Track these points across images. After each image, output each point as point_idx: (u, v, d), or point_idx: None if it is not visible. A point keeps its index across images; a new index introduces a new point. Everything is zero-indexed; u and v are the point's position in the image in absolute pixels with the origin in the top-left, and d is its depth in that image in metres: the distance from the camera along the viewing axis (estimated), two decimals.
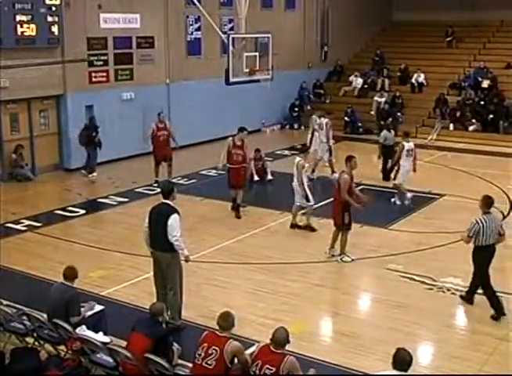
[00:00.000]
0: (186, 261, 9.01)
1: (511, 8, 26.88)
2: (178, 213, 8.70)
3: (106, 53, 19.06)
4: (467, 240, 9.89)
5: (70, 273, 8.08)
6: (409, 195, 15.31)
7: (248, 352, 6.74)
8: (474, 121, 23.37)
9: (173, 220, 8.61)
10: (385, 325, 9.08)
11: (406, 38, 28.85)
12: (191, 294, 10.28)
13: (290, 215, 13.91)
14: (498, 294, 9.72)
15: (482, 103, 23.90)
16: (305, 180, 13.22)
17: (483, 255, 9.81)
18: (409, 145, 15.41)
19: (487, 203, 9.87)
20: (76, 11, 17.95)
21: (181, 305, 9.07)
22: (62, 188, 17.26)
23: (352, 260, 11.69)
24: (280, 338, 6.44)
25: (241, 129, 14.40)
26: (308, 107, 26.37)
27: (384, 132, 17.43)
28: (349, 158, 11.72)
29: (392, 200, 15.42)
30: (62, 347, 7.70)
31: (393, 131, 17.85)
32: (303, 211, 13.59)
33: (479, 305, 10.10)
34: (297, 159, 13.37)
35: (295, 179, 13.24)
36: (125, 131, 19.52)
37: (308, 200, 13.24)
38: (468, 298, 10.00)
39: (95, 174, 17.84)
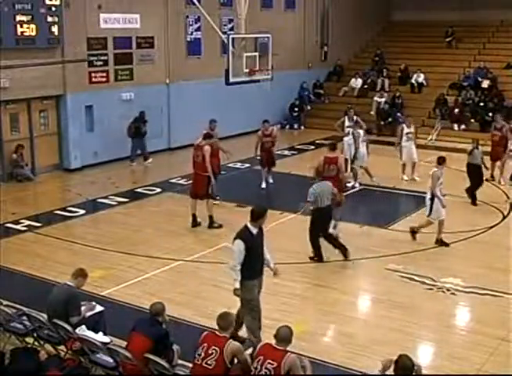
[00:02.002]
0: (235, 294, 8.23)
1: (511, 8, 26.87)
2: (245, 239, 7.96)
3: (105, 53, 19.06)
4: (308, 205, 11.42)
5: (76, 271, 8.13)
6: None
7: (248, 352, 6.74)
8: (472, 120, 23.36)
9: (234, 246, 8.05)
10: (385, 325, 9.07)
11: (406, 38, 28.84)
12: (191, 295, 10.30)
13: (292, 215, 13.93)
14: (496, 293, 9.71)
15: (482, 104, 23.88)
16: (438, 193, 12.23)
17: (319, 215, 11.45)
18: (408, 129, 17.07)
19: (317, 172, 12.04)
20: (76, 11, 17.96)
21: (253, 328, 8.28)
22: (62, 188, 17.28)
23: None
24: (284, 334, 6.47)
25: (265, 121, 16.51)
26: (308, 107, 26.40)
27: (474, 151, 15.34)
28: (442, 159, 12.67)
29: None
30: (62, 347, 7.71)
31: (480, 148, 15.50)
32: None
33: (479, 305, 10.12)
34: (434, 169, 12.46)
35: (428, 192, 12.31)
36: (125, 131, 19.50)
37: (430, 212, 12.28)
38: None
39: (150, 160, 19.30)
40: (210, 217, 13.48)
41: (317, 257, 11.67)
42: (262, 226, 8.33)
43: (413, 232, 12.65)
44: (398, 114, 24.44)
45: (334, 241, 11.75)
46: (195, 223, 13.54)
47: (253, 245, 8.06)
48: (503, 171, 16.77)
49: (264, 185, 16.60)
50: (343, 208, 12.63)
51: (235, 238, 8.05)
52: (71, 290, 7.97)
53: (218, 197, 14.70)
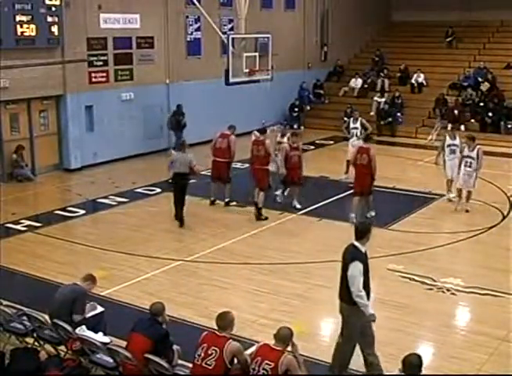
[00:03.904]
0: (372, 321, 7.59)
1: (511, 8, 26.87)
2: (361, 260, 7.38)
3: (105, 53, 19.07)
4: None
5: (87, 276, 8.26)
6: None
7: (248, 352, 6.74)
8: (472, 121, 23.36)
9: (353, 269, 7.33)
10: (385, 325, 9.06)
11: (406, 38, 28.85)
12: (191, 295, 10.31)
13: (290, 216, 13.97)
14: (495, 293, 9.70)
15: (482, 104, 23.88)
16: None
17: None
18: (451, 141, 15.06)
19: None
20: (76, 11, 17.96)
21: (344, 359, 7.79)
22: (62, 188, 17.28)
23: None
24: (283, 335, 6.47)
25: (293, 134, 15.28)
26: (308, 108, 26.39)
27: None
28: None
29: None
30: (62, 347, 7.70)
31: None
32: None
33: (479, 305, 10.12)
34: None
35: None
36: (125, 131, 19.54)
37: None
38: None
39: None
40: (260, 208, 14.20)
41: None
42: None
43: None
44: (398, 114, 24.48)
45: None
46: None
47: (367, 266, 7.49)
48: None
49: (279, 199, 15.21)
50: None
51: (351, 260, 7.33)
52: (81, 288, 8.03)
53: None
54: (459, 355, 8.41)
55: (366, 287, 7.49)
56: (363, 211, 14.07)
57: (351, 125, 17.34)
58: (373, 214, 14.08)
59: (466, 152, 14.38)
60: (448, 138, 15.11)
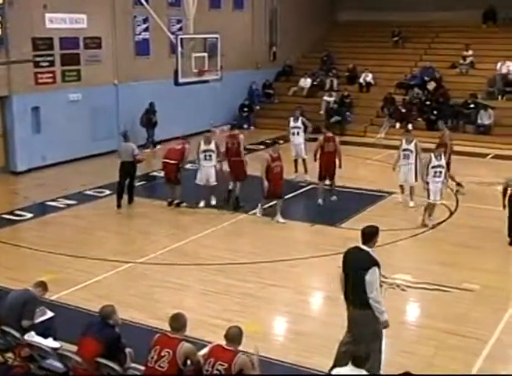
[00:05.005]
0: (385, 327, 7.55)
1: (455, 9, 27.43)
2: (378, 266, 7.29)
3: (52, 54, 18.73)
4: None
5: (38, 282, 8.14)
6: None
7: (201, 353, 6.71)
8: (419, 119, 23.76)
9: (372, 275, 7.20)
10: (339, 323, 9.08)
11: (354, 38, 29.13)
12: (143, 297, 10.23)
13: (241, 216, 14.00)
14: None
15: (428, 102, 24.31)
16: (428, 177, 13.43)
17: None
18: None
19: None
20: (20, 10, 17.59)
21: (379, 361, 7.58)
22: (8, 191, 16.92)
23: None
24: (234, 335, 6.46)
25: (274, 143, 14.99)
26: (258, 107, 26.45)
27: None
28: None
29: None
30: (10, 354, 7.54)
31: None
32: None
33: (429, 300, 10.30)
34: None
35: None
36: (73, 132, 19.24)
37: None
38: None
39: (159, 146, 20.80)
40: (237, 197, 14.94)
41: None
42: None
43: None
44: (347, 113, 24.73)
45: None
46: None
47: (380, 270, 7.42)
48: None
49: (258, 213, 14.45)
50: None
51: (370, 266, 7.21)
52: (31, 293, 7.89)
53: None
54: (409, 349, 8.55)
55: (381, 291, 7.53)
56: (326, 195, 15.30)
57: (292, 124, 17.47)
58: (335, 198, 15.39)
59: (404, 145, 14.86)
60: (404, 142, 14.87)
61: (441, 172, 13.35)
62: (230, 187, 15.17)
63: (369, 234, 7.48)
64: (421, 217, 13.67)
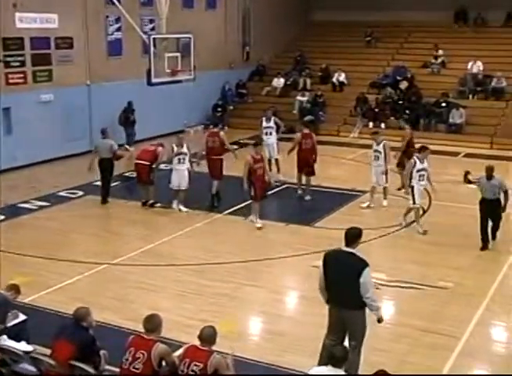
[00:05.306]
0: (379, 321, 7.55)
1: (427, 9, 27.67)
2: (368, 266, 7.30)
3: (23, 54, 18.53)
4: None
5: (11, 285, 8.05)
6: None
7: (176, 354, 6.69)
8: (392, 118, 23.92)
9: (366, 277, 7.20)
10: (313, 322, 9.15)
11: (327, 38, 29.24)
12: (117, 298, 10.16)
13: (216, 216, 13.98)
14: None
15: (401, 102, 24.50)
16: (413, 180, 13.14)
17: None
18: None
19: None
20: None
21: (358, 363, 7.58)
22: None
23: None
24: (207, 335, 6.45)
25: (256, 144, 14.13)
26: (231, 107, 26.43)
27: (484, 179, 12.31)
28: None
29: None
30: None
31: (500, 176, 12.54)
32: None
33: (403, 298, 10.37)
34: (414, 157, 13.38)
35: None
36: (45, 133, 19.05)
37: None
38: None
39: (132, 148, 20.60)
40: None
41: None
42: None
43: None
44: (321, 113, 24.82)
45: None
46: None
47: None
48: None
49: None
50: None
51: (363, 267, 7.20)
52: (4, 296, 7.78)
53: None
54: (384, 347, 8.59)
55: None
56: (301, 194, 15.82)
57: (264, 124, 17.47)
58: (309, 197, 15.63)
59: (374, 146, 14.80)
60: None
61: (424, 175, 13.11)
62: (213, 191, 15.04)
63: (353, 236, 7.47)
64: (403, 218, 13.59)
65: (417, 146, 14.90)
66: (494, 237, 12.42)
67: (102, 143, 15.13)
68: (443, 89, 24.26)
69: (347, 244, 7.43)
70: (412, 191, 13.11)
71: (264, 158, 14.01)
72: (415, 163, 13.07)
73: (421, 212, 13.64)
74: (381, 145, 14.71)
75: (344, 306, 7.40)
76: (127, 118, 21.35)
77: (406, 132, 16.57)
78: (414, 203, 13.18)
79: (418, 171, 13.04)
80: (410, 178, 13.08)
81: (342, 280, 7.31)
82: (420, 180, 13.08)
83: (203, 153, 15.41)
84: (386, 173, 14.77)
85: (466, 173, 12.99)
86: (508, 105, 23.86)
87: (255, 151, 13.59)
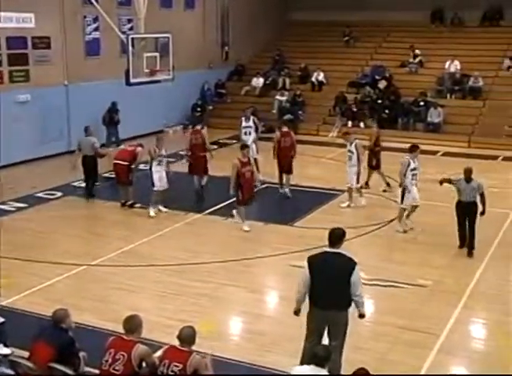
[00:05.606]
0: (361, 317, 7.56)
1: (404, 9, 27.86)
2: (357, 263, 7.34)
3: None
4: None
5: None
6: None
7: (156, 355, 6.67)
8: (371, 118, 23.99)
9: (356, 275, 7.25)
10: (292, 322, 9.15)
11: (305, 38, 29.28)
12: (97, 299, 10.10)
13: (196, 216, 13.95)
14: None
15: (379, 101, 24.63)
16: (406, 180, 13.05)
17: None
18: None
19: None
20: None
21: (339, 364, 7.56)
22: None
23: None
24: (186, 335, 6.43)
25: (242, 147, 13.91)
26: (211, 107, 26.40)
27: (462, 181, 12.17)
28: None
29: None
30: None
31: (483, 180, 12.76)
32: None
33: (382, 296, 10.42)
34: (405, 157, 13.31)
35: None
36: (22, 134, 18.88)
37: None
38: None
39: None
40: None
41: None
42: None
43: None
44: (300, 112, 24.88)
45: None
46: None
47: None
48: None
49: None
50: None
51: (353, 267, 7.23)
52: None
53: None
54: (363, 345, 8.63)
55: None
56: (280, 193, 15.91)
57: (243, 124, 17.42)
58: (289, 194, 15.78)
59: (348, 147, 14.82)
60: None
61: (416, 174, 13.11)
62: (196, 186, 15.67)
63: (337, 236, 7.46)
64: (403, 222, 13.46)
65: (383, 144, 16.27)
66: (472, 247, 12.05)
67: (85, 140, 15.43)
68: (421, 88, 24.43)
69: (332, 245, 7.42)
70: (403, 191, 13.10)
71: (251, 161, 13.74)
72: (409, 163, 13.00)
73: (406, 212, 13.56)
74: (353, 145, 14.71)
75: (332, 308, 7.34)
76: (111, 118, 21.41)
77: (373, 131, 16.75)
78: (402, 203, 13.21)
79: (411, 170, 13.02)
80: (404, 177, 13.01)
81: (332, 281, 7.26)
82: (412, 179, 13.07)
83: (188, 153, 15.74)
84: (358, 173, 14.78)
85: (443, 181, 12.79)
86: (485, 104, 24.10)
87: (242, 154, 13.40)
